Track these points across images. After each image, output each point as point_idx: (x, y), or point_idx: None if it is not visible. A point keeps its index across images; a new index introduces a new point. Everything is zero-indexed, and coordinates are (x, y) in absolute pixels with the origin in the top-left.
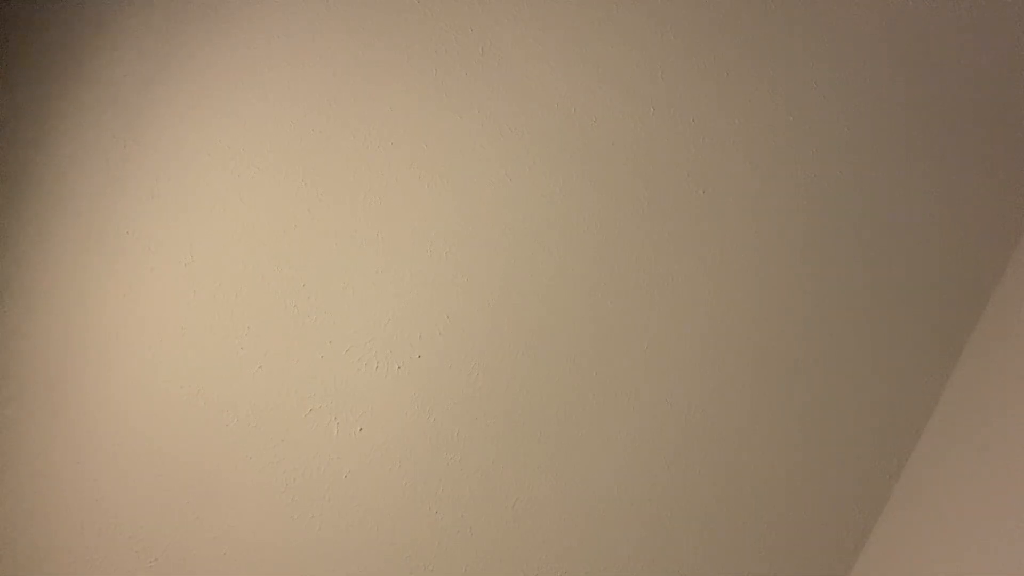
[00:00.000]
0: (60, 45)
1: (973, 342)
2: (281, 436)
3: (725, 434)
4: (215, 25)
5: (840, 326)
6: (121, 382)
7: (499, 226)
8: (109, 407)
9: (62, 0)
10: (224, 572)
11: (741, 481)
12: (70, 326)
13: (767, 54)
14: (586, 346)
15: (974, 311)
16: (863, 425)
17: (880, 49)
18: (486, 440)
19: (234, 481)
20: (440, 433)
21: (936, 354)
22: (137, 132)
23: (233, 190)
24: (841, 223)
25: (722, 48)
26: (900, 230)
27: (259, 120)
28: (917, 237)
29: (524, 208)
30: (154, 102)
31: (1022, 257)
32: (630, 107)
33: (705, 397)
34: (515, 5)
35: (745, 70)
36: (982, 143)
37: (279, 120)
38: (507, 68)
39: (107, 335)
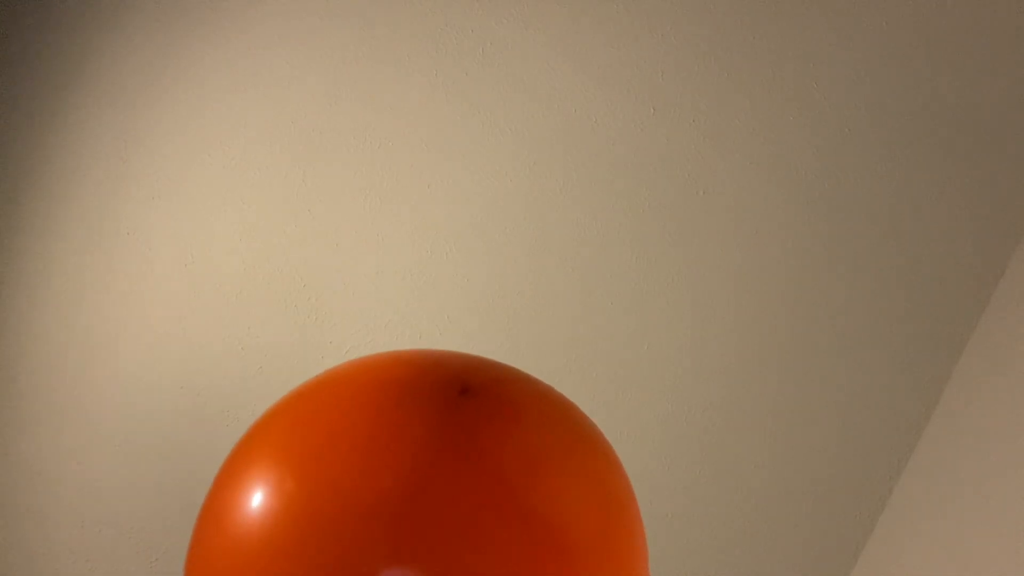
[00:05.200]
0: (60, 44)
1: (974, 342)
2: None
3: (724, 434)
4: (216, 25)
5: (840, 326)
6: (121, 382)
7: (499, 226)
8: (109, 407)
9: None
10: None
11: (740, 482)
12: (70, 326)
13: (767, 54)
14: (586, 346)
15: (974, 311)
16: (863, 425)
17: (881, 49)
18: None
19: None
20: None
21: (937, 354)
22: (137, 132)
23: (233, 190)
24: (841, 224)
25: (722, 48)
26: (900, 230)
27: (260, 120)
28: (917, 237)
29: (524, 208)
30: (154, 102)
31: (1022, 257)
32: (630, 107)
33: (704, 397)
34: (515, 5)
35: (745, 70)
36: (983, 142)
37: (280, 120)
38: (507, 68)
39: (107, 335)
